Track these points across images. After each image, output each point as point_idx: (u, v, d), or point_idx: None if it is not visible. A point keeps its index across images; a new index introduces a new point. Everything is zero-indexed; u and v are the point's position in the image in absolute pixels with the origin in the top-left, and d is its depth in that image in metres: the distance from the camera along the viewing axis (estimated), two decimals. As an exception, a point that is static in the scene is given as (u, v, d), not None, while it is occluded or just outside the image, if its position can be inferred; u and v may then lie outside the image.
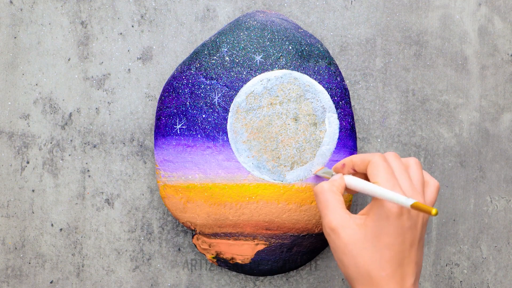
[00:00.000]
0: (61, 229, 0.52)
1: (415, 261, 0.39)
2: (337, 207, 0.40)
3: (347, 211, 0.40)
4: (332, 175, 0.45)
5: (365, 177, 0.43)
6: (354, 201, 0.52)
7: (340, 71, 0.49)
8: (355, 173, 0.43)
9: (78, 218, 0.52)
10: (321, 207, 0.41)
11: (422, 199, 0.39)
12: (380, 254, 0.38)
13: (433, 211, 0.35)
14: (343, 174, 0.43)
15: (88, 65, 0.52)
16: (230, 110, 0.48)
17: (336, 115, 0.49)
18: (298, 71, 0.48)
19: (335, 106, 0.49)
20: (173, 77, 0.49)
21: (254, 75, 0.48)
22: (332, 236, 0.39)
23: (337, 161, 0.49)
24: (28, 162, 0.52)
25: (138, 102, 0.52)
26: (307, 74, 0.48)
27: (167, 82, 0.50)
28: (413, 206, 0.36)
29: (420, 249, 0.40)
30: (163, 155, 0.49)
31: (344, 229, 0.39)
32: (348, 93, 0.49)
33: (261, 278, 0.52)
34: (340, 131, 0.49)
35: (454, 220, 0.53)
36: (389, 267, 0.38)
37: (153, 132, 0.52)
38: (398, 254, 0.38)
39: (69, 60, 0.52)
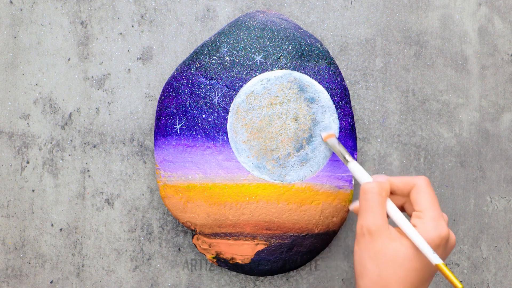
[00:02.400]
0: (61, 229, 0.52)
1: None
2: (381, 212, 0.39)
3: (387, 219, 0.40)
4: (344, 156, 0.44)
5: (401, 200, 0.42)
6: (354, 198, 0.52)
7: (340, 71, 0.49)
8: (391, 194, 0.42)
9: (78, 218, 0.52)
10: (365, 206, 0.40)
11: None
12: (404, 275, 0.38)
13: (459, 285, 0.36)
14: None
15: (88, 65, 0.52)
16: (230, 110, 0.48)
17: (336, 115, 0.49)
18: (298, 71, 0.48)
19: (335, 106, 0.49)
20: (173, 77, 0.49)
21: (254, 75, 0.48)
22: (366, 238, 0.39)
23: (337, 161, 0.49)
24: (28, 162, 0.52)
25: (138, 102, 0.52)
26: (307, 74, 0.48)
27: (167, 82, 0.50)
28: (438, 267, 0.36)
29: None
30: (163, 155, 0.49)
31: (381, 237, 0.38)
32: (348, 93, 0.49)
33: (261, 278, 0.52)
34: (340, 131, 0.49)
35: (454, 220, 0.53)
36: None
37: (153, 132, 0.52)
38: (417, 282, 0.38)
39: (69, 60, 0.52)
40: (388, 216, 0.40)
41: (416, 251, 0.38)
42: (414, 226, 0.38)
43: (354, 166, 0.43)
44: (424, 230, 0.38)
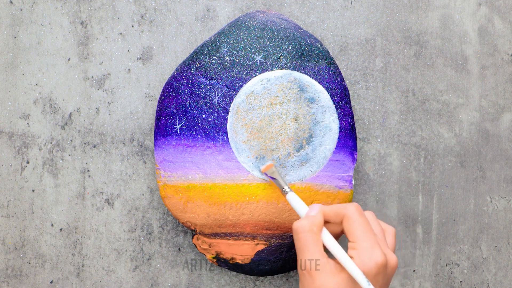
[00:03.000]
0: (61, 229, 0.52)
1: None
2: (316, 249, 0.39)
3: (325, 254, 0.40)
4: (282, 187, 0.45)
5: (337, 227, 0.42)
6: (354, 198, 0.52)
7: (340, 71, 0.49)
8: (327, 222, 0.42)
9: (78, 218, 0.52)
10: (299, 246, 0.40)
11: (388, 250, 0.40)
12: None
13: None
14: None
15: (88, 65, 0.52)
16: (230, 110, 0.48)
17: (336, 115, 0.49)
18: (298, 71, 0.48)
19: (335, 106, 0.49)
20: (173, 77, 0.49)
21: (254, 75, 0.48)
22: (306, 277, 0.39)
23: (337, 161, 0.49)
24: (28, 162, 0.52)
25: (138, 102, 0.52)
26: (307, 74, 0.48)
27: (167, 82, 0.50)
28: None
29: None
30: (163, 155, 0.49)
31: (320, 274, 0.38)
32: (348, 93, 0.49)
33: (261, 278, 0.52)
34: (340, 131, 0.49)
35: (454, 220, 0.53)
36: None
37: (153, 132, 0.52)
38: None
39: (69, 60, 0.52)
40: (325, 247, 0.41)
41: (355, 284, 0.38)
42: (351, 257, 0.39)
43: (292, 197, 0.44)
44: (359, 261, 0.38)
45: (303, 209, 0.43)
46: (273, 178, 0.46)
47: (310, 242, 0.39)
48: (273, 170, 0.46)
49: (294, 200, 0.43)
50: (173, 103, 0.49)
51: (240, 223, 0.48)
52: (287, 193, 0.44)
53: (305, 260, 0.39)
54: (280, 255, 0.49)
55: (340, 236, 0.43)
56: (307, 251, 0.39)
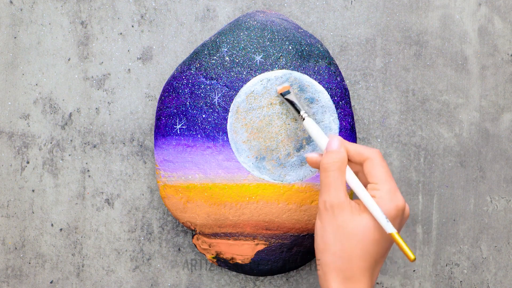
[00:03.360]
0: (61, 229, 0.52)
1: (378, 271, 0.41)
2: (342, 187, 0.40)
3: (347, 193, 0.41)
4: (299, 112, 0.44)
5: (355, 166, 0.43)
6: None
7: (340, 71, 0.49)
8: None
9: (78, 218, 0.52)
10: (326, 183, 0.41)
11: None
12: (366, 248, 0.39)
13: (412, 256, 0.38)
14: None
15: (88, 65, 0.52)
16: (230, 110, 0.48)
17: (336, 115, 0.49)
18: (298, 71, 0.48)
19: (335, 106, 0.49)
20: (173, 77, 0.49)
21: (254, 75, 0.48)
22: (329, 213, 0.40)
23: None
24: (28, 162, 0.52)
25: (138, 102, 0.52)
26: (307, 74, 0.48)
27: (167, 82, 0.50)
28: (392, 236, 0.38)
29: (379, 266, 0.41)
30: (163, 155, 0.49)
31: (343, 211, 0.39)
32: (348, 93, 0.49)
33: (261, 278, 0.52)
34: (340, 131, 0.49)
35: (454, 220, 0.53)
36: (369, 261, 0.39)
37: (153, 132, 0.52)
38: (377, 255, 0.40)
39: (69, 60, 0.52)
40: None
41: (376, 224, 0.39)
42: (372, 197, 0.39)
43: (309, 124, 0.43)
44: (381, 201, 0.39)
45: (322, 138, 0.43)
46: (289, 101, 0.45)
47: (338, 180, 0.40)
48: (289, 92, 0.46)
49: (312, 127, 0.43)
50: (173, 103, 0.49)
51: (240, 223, 0.48)
52: (304, 119, 0.44)
53: (331, 197, 0.40)
54: (280, 255, 0.49)
55: None
56: (333, 189, 0.40)
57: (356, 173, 0.43)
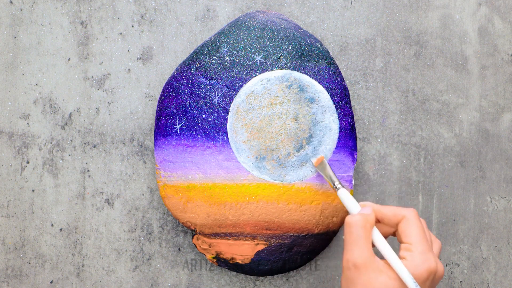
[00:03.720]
0: (61, 229, 0.52)
1: None
2: (366, 245, 0.39)
3: (373, 252, 0.40)
4: (334, 183, 0.45)
5: (387, 229, 0.42)
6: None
7: (340, 71, 0.49)
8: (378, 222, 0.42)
9: (78, 218, 0.52)
10: (349, 240, 0.40)
11: (437, 259, 0.40)
12: None
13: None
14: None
15: (88, 65, 0.52)
16: (230, 110, 0.48)
17: (336, 115, 0.49)
18: (298, 71, 0.48)
19: (335, 106, 0.49)
20: (173, 77, 0.49)
21: (254, 75, 0.48)
22: (352, 272, 0.39)
23: (337, 161, 0.48)
24: (28, 162, 0.52)
25: (138, 102, 0.52)
26: (307, 74, 0.48)
27: (167, 82, 0.50)
28: None
29: None
30: (163, 155, 0.49)
31: (368, 270, 0.38)
32: (348, 93, 0.49)
33: (261, 278, 0.52)
34: (340, 131, 0.49)
35: (454, 220, 0.53)
36: None
37: (153, 132, 0.52)
38: None
39: (69, 60, 0.52)
40: (373, 246, 0.41)
41: (403, 284, 0.38)
42: (403, 258, 0.39)
43: (343, 194, 0.43)
44: (412, 263, 0.38)
45: (355, 206, 0.42)
46: (322, 173, 0.46)
47: (362, 237, 0.39)
48: (324, 165, 0.46)
49: (346, 196, 0.43)
50: (173, 103, 0.49)
51: (240, 223, 0.48)
52: (338, 189, 0.44)
53: (355, 256, 0.39)
54: (280, 255, 0.49)
55: (387, 238, 0.42)
56: (358, 246, 0.39)
57: (388, 235, 0.42)
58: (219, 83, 0.48)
